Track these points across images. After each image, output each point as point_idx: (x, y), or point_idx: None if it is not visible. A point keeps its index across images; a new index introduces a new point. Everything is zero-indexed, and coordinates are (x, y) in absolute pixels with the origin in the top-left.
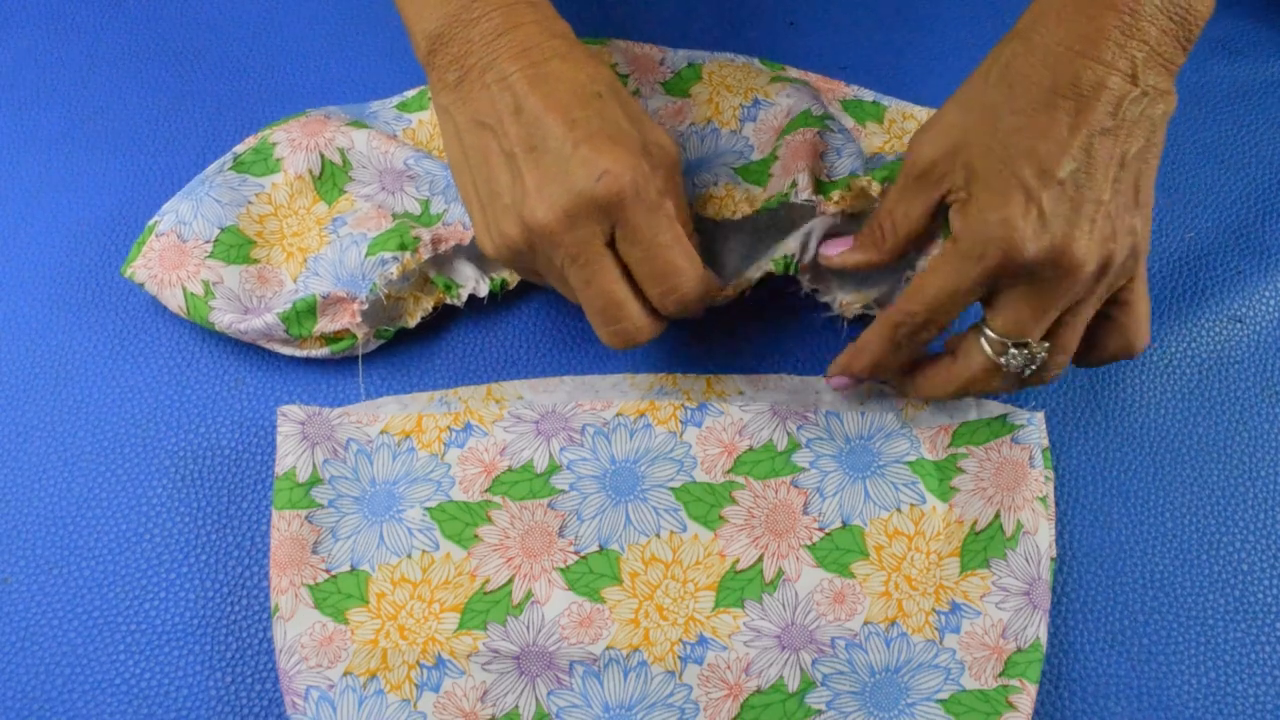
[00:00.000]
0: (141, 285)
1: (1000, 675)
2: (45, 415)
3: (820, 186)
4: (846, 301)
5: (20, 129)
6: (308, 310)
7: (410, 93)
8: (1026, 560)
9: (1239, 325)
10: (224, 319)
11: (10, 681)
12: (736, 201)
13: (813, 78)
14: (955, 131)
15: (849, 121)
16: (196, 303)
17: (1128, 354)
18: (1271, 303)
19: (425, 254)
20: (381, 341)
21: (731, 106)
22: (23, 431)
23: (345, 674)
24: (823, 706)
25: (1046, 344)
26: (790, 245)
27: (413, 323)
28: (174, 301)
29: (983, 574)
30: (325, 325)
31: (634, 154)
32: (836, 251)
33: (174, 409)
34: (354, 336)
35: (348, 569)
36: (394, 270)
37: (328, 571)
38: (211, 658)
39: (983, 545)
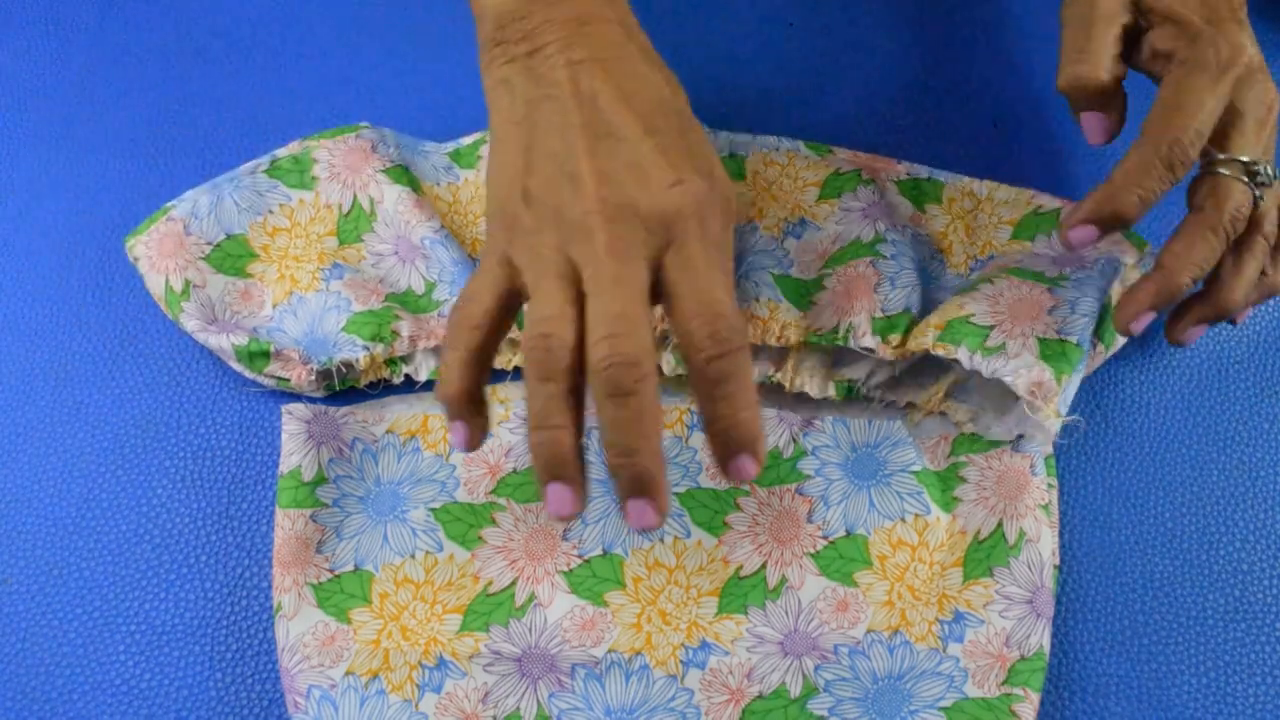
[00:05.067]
0: (135, 261)
1: (1004, 684)
2: (45, 416)
3: (876, 325)
4: (924, 400)
5: (20, 129)
6: (261, 353)
7: (466, 140)
8: (1029, 568)
9: (1239, 326)
10: (190, 324)
11: (10, 682)
12: (781, 326)
13: (863, 158)
14: None
15: (907, 209)
16: (173, 298)
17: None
18: (1272, 303)
19: (398, 350)
20: (329, 393)
21: (777, 217)
22: (23, 432)
23: (347, 674)
24: (825, 713)
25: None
26: (856, 372)
27: (363, 383)
28: (155, 289)
29: (986, 582)
30: (276, 369)
31: (708, 180)
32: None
33: (174, 409)
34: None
35: (351, 569)
36: (359, 359)
37: (331, 571)
38: (212, 658)
39: (985, 554)
